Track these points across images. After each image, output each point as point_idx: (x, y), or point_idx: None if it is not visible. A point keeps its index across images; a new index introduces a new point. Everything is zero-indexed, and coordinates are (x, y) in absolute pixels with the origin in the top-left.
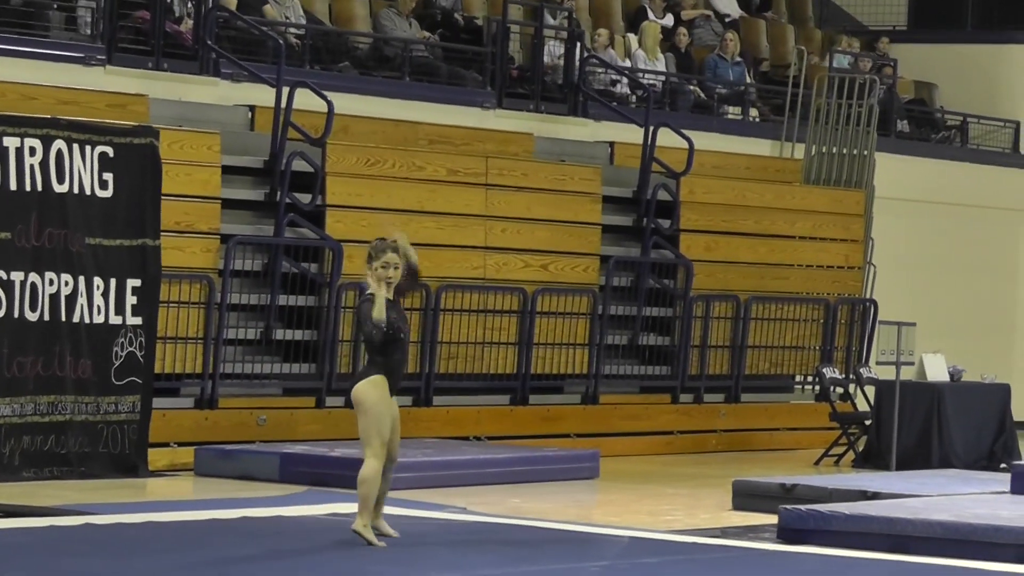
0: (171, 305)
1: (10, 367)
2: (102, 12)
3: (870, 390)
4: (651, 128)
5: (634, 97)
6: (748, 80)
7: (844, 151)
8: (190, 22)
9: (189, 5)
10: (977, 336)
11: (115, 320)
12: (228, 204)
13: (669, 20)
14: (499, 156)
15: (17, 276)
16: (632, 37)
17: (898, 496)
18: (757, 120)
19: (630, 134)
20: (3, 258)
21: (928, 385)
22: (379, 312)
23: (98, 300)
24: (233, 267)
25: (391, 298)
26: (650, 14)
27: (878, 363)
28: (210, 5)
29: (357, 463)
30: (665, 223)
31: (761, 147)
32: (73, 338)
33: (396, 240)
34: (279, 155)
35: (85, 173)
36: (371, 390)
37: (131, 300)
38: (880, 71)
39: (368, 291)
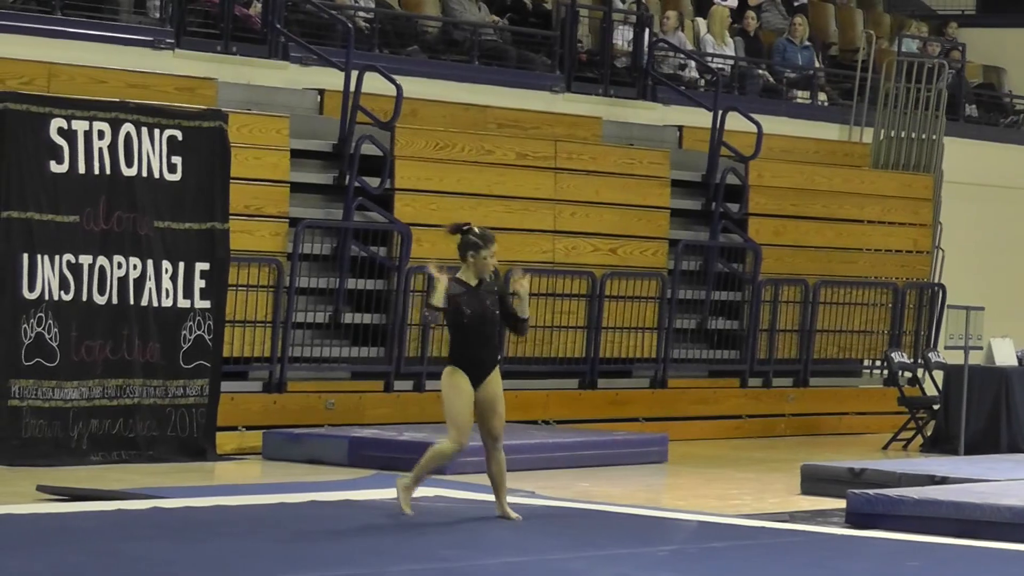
0: (239, 289)
1: (78, 351)
2: None
3: (938, 374)
4: (720, 112)
5: (703, 81)
6: (817, 64)
7: (912, 135)
8: (259, 5)
9: None
10: None
11: (183, 304)
12: (297, 188)
13: (734, 2)
14: (568, 140)
15: (86, 260)
16: (701, 21)
17: (967, 481)
18: (826, 104)
19: (698, 118)
20: (72, 241)
21: (996, 369)
22: (438, 298)
23: (166, 284)
24: (302, 251)
25: (473, 285)
26: None
27: (946, 347)
28: None
29: (426, 447)
30: (734, 207)
31: (830, 131)
32: (141, 322)
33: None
34: (348, 139)
35: (154, 156)
36: (445, 379)
37: (199, 284)
38: (948, 55)
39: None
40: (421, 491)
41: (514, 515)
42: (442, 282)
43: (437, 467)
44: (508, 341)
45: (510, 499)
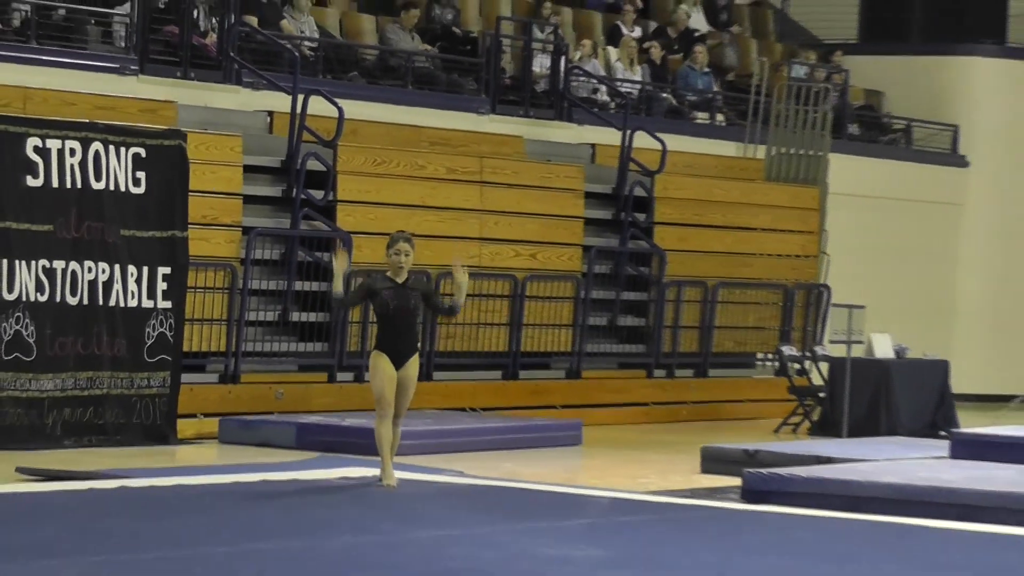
0: (198, 290)
1: (52, 346)
2: (135, 26)
3: (824, 366)
4: (628, 131)
5: (613, 104)
6: (715, 88)
7: (801, 152)
8: (214, 36)
9: (213, 20)
10: (920, 317)
11: (147, 304)
12: (249, 200)
13: (638, 31)
14: (493, 156)
15: (59, 264)
16: (612, 50)
17: (850, 461)
18: (723, 124)
19: (610, 136)
20: (46, 248)
21: (876, 361)
22: (336, 285)
23: (132, 286)
24: (253, 256)
25: (400, 282)
26: (623, 28)
27: (831, 342)
28: (232, 20)
29: (366, 431)
30: (641, 216)
31: (727, 148)
32: (109, 320)
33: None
34: (295, 155)
35: (120, 172)
36: (372, 361)
37: (161, 286)
38: (833, 80)
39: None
40: (365, 471)
41: (392, 483)
42: (339, 270)
43: (385, 442)
44: (439, 337)
45: (440, 478)
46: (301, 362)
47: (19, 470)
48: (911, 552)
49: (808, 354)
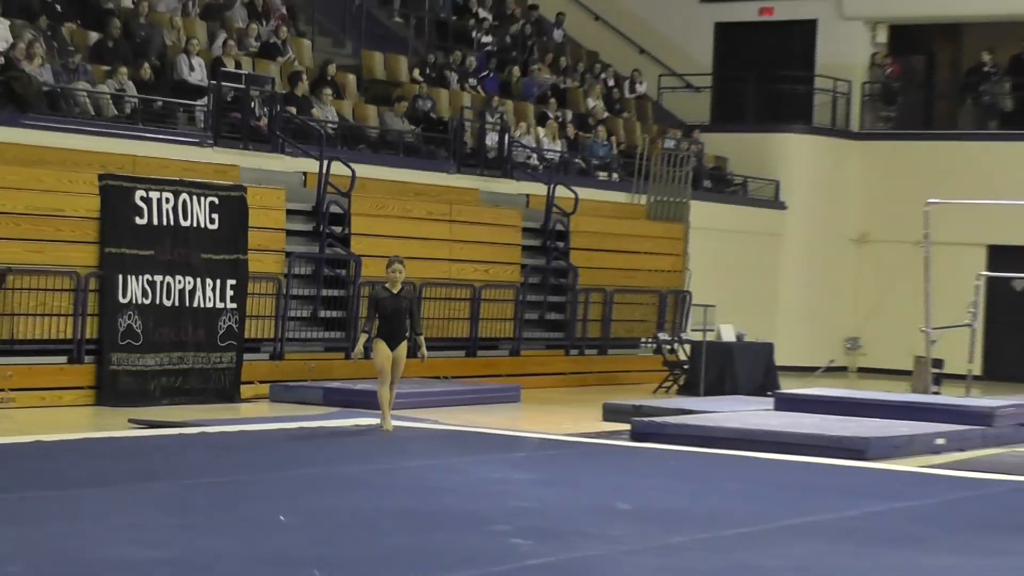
0: (254, 295)
1: (153, 334)
2: (211, 113)
3: (687, 347)
4: (552, 185)
5: (541, 166)
6: (613, 154)
7: (671, 199)
8: (266, 119)
9: (265, 109)
10: (753, 312)
11: (220, 305)
12: (290, 233)
13: (559, 116)
14: (458, 203)
15: (158, 278)
16: (541, 128)
17: (705, 412)
18: (618, 180)
19: (539, 189)
20: (149, 267)
21: (723, 343)
22: (358, 351)
23: (209, 293)
24: (293, 272)
25: (395, 292)
26: (548, 114)
27: (692, 330)
28: (278, 109)
29: (371, 393)
30: (561, 244)
31: (620, 197)
32: (193, 316)
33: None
34: (321, 202)
35: (200, 214)
36: (375, 345)
37: (230, 292)
38: (693, 149)
39: (377, 285)
40: (371, 420)
41: (389, 429)
42: (361, 342)
43: (384, 400)
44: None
45: (421, 425)
46: (327, 345)
47: (130, 421)
48: (747, 474)
49: (676, 338)
